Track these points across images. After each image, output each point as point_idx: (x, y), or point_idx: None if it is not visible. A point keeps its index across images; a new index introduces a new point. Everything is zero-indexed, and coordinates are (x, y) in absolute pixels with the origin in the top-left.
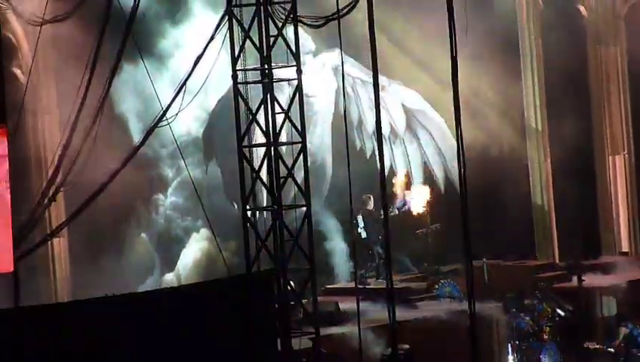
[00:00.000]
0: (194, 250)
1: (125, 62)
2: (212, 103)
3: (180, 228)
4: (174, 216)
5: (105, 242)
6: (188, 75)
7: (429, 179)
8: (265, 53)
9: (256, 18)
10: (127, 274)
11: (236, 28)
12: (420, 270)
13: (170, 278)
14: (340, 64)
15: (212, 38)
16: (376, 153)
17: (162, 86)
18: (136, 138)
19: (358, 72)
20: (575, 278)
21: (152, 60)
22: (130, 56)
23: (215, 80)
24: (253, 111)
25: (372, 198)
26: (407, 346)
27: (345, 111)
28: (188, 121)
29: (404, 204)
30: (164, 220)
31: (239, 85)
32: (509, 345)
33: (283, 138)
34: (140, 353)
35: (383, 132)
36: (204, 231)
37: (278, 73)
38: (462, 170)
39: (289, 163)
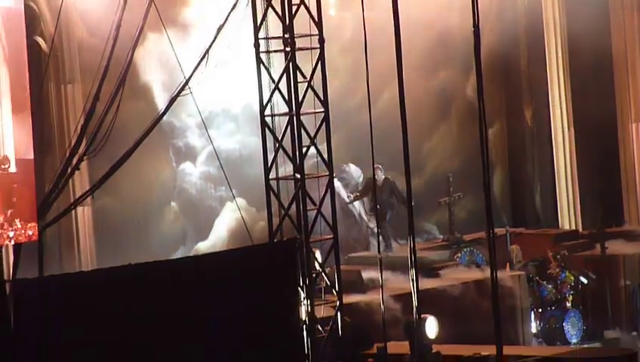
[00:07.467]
0: (228, 219)
1: (150, 32)
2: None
3: (213, 198)
4: (206, 186)
5: (131, 211)
6: (210, 44)
7: None
8: (287, 22)
9: None
10: (157, 243)
11: None
12: (442, 238)
13: (203, 247)
14: None
15: (234, 6)
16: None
17: (187, 55)
18: (161, 108)
19: None
20: (598, 246)
21: (176, 30)
22: (154, 25)
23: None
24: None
25: (382, 168)
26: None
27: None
28: (216, 91)
29: None
30: (195, 190)
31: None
32: (532, 312)
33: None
34: (157, 321)
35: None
36: (240, 201)
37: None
38: (484, 139)
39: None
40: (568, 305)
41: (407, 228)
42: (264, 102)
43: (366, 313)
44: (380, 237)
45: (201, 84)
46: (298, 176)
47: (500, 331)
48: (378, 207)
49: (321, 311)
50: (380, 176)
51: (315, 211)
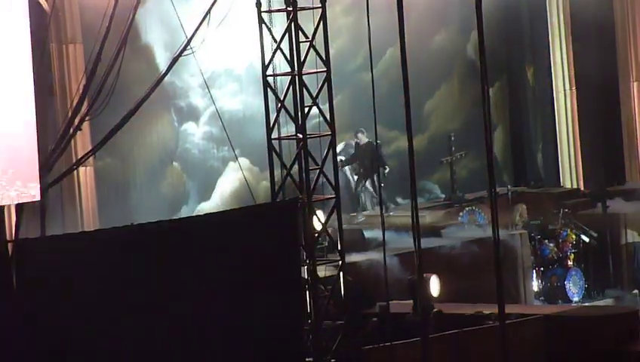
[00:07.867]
0: (231, 179)
1: None
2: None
3: (216, 158)
4: (209, 146)
5: (133, 171)
6: (212, 3)
7: None
8: None
9: None
10: (159, 203)
11: None
12: (444, 198)
13: (206, 207)
14: None
15: None
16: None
17: (189, 16)
18: (163, 68)
19: None
20: (599, 205)
21: None
22: None
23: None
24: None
25: (365, 132)
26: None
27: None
28: (219, 51)
29: None
30: (198, 150)
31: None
32: (533, 271)
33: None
34: (159, 280)
35: None
36: (243, 161)
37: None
38: (486, 99)
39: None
40: (570, 263)
41: (407, 187)
42: (266, 62)
43: (368, 272)
44: (371, 198)
45: (203, 44)
46: (300, 135)
47: (502, 290)
48: (362, 170)
49: (324, 271)
50: (363, 139)
51: (318, 171)
